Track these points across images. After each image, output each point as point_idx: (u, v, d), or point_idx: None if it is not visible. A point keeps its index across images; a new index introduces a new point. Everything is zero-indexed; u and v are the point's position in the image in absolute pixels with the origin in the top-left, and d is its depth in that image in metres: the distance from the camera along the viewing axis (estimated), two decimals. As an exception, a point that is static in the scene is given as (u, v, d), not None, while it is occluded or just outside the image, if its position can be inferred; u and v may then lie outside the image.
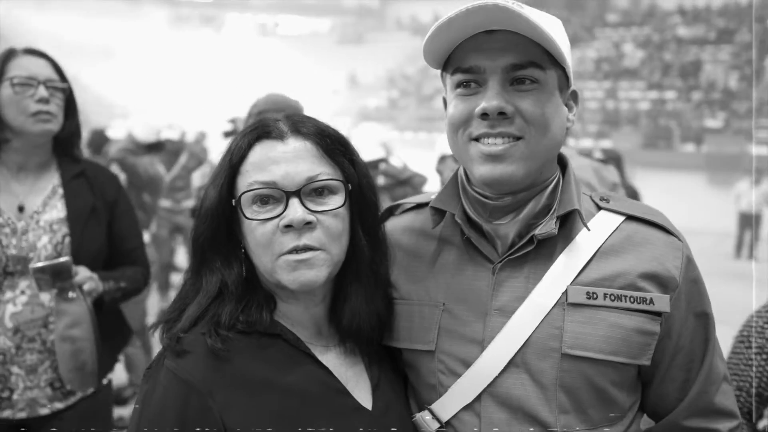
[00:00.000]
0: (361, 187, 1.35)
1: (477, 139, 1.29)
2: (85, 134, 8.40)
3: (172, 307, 1.33)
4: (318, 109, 4.59)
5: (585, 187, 1.46)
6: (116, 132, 6.01)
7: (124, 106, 28.08)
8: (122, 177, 5.16)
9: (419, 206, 1.53)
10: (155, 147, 5.93)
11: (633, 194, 5.47)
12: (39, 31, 35.67)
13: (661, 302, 1.30)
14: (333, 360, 1.33)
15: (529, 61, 1.26)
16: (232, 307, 1.26)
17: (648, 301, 1.29)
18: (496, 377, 1.29)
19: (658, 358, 1.33)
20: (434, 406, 1.35)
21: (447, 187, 1.44)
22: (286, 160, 1.25)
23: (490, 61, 1.26)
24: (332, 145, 1.31)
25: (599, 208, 1.39)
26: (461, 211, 1.38)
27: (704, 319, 1.37)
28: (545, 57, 1.27)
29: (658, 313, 1.30)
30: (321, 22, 58.27)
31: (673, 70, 32.84)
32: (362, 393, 1.33)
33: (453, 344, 1.35)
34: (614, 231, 1.35)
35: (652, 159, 24.68)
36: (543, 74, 1.28)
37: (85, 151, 7.07)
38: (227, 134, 4.04)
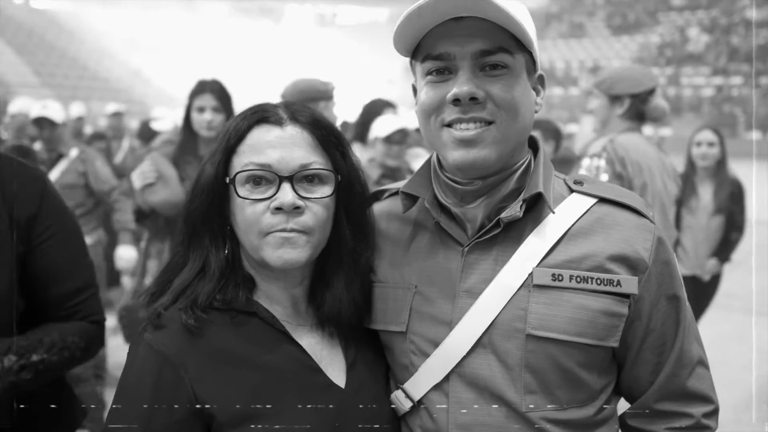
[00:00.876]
0: (350, 178, 1.41)
1: (449, 125, 1.31)
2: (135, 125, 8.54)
3: (159, 277, 1.41)
4: (375, 98, 4.66)
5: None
6: (162, 124, 6.09)
7: (185, 99, 28.68)
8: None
9: (399, 192, 1.52)
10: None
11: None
12: (101, 28, 36.70)
13: (629, 284, 1.30)
14: (309, 339, 1.39)
15: (498, 47, 1.28)
16: (211, 287, 1.33)
17: (615, 283, 1.30)
18: (464, 358, 1.32)
19: (629, 341, 1.34)
20: (406, 386, 1.39)
21: (419, 173, 1.47)
22: (282, 145, 1.32)
23: (459, 47, 1.28)
24: (326, 136, 1.37)
25: (572, 190, 1.40)
26: (432, 196, 1.42)
27: (675, 302, 1.36)
28: (513, 42, 1.30)
29: (626, 295, 1.30)
30: (379, 11, 58.20)
31: (740, 55, 31.73)
32: (336, 372, 1.38)
33: (423, 325, 1.37)
34: (584, 213, 1.36)
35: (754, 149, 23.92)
36: (512, 59, 1.30)
37: (135, 142, 7.19)
38: None
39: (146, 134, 7.01)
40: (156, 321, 1.30)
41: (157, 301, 1.34)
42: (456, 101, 1.28)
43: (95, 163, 4.95)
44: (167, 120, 5.91)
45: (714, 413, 1.40)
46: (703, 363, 1.40)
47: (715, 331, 6.59)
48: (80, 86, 28.24)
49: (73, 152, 4.96)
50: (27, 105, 7.41)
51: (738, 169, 5.41)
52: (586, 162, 3.39)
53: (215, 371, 1.27)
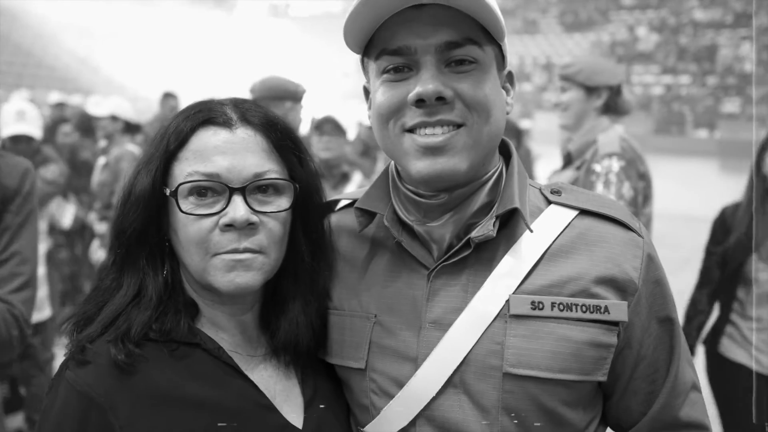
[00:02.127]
0: (309, 188, 1.25)
1: (411, 130, 1.14)
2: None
3: (87, 303, 1.20)
4: (329, 91, 4.54)
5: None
6: (100, 109, 5.85)
7: (135, 89, 28.04)
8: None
9: (355, 203, 1.32)
10: (136, 128, 5.76)
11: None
12: (46, 16, 35.60)
13: (618, 310, 1.15)
14: (261, 372, 1.22)
15: (466, 38, 1.12)
16: (147, 315, 1.14)
17: (602, 310, 1.14)
18: (432, 399, 1.15)
19: (618, 371, 1.19)
20: (368, 429, 1.22)
21: (376, 185, 1.29)
22: (233, 151, 1.14)
23: (421, 39, 1.10)
24: (282, 140, 1.21)
25: (549, 202, 1.24)
26: (391, 212, 1.24)
27: (668, 325, 1.22)
28: (481, 33, 1.14)
29: (614, 323, 1.15)
30: (333, 2, 57.89)
31: (688, 55, 32.44)
32: (292, 409, 1.21)
33: (385, 362, 1.20)
34: (565, 228, 1.19)
35: (665, 145, 24.46)
36: (481, 52, 1.14)
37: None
38: None
39: (84, 125, 6.74)
40: (80, 356, 1.10)
41: (82, 332, 1.13)
42: (420, 102, 1.11)
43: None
44: (104, 105, 5.66)
45: None
46: (695, 387, 1.27)
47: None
48: (25, 74, 27.33)
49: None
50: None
51: (685, 167, 5.44)
52: (605, 163, 3.09)
53: (151, 415, 1.08)
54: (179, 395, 1.11)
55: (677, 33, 34.63)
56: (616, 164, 3.08)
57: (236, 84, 3.98)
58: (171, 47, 38.78)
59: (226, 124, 1.17)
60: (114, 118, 5.46)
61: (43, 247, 4.41)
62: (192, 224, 1.13)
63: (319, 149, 4.06)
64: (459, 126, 1.13)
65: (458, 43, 1.12)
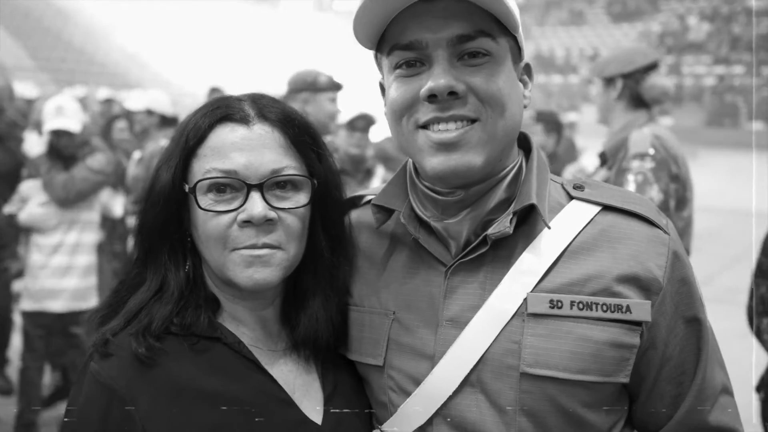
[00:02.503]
0: (327, 184, 1.24)
1: (425, 126, 1.13)
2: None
3: (112, 297, 1.22)
4: (372, 86, 4.55)
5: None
6: (135, 104, 5.92)
7: (182, 84, 28.47)
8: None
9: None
10: (172, 122, 5.81)
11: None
12: (97, 14, 36.36)
13: (641, 310, 1.12)
14: (281, 367, 1.23)
15: (478, 30, 1.10)
16: (168, 309, 1.15)
17: (624, 309, 1.11)
18: (449, 398, 1.14)
19: (643, 372, 1.17)
20: (385, 427, 1.22)
21: (393, 182, 1.28)
22: (250, 148, 1.15)
23: (432, 33, 1.09)
24: (300, 135, 1.21)
25: (571, 197, 1.21)
26: (408, 209, 1.23)
27: (695, 325, 1.18)
28: (494, 25, 1.11)
29: (637, 323, 1.12)
30: (377, -4, 57.84)
31: (741, 44, 31.52)
32: (311, 404, 1.21)
33: (403, 359, 1.20)
34: (587, 225, 1.17)
35: (717, 137, 23.84)
36: (495, 45, 1.12)
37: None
38: None
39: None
40: (103, 349, 1.12)
41: (107, 325, 1.15)
42: (432, 97, 1.09)
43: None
44: (140, 99, 5.74)
45: None
46: (727, 391, 1.22)
47: (716, 327, 6.54)
48: (77, 70, 28.01)
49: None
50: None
51: (739, 160, 5.28)
52: (634, 164, 2.96)
53: (171, 407, 1.09)
54: (198, 388, 1.12)
55: (730, 22, 33.65)
56: (645, 165, 2.96)
57: (281, 78, 4.01)
58: (217, 42, 39.26)
59: (244, 120, 1.17)
60: (149, 113, 5.53)
61: (93, 237, 4.52)
62: (211, 220, 1.14)
63: (350, 145, 4.06)
64: (473, 121, 1.12)
65: (470, 36, 1.10)
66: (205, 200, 1.14)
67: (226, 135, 1.16)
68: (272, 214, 1.14)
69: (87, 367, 1.14)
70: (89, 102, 9.98)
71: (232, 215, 1.14)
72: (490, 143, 1.12)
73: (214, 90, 8.70)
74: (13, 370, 5.18)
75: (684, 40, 34.17)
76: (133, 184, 5.13)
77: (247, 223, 1.13)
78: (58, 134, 4.38)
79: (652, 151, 2.97)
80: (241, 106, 1.19)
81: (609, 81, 3.29)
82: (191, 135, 1.17)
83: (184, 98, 15.21)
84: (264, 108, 1.20)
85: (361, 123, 4.01)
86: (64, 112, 4.39)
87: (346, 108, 4.10)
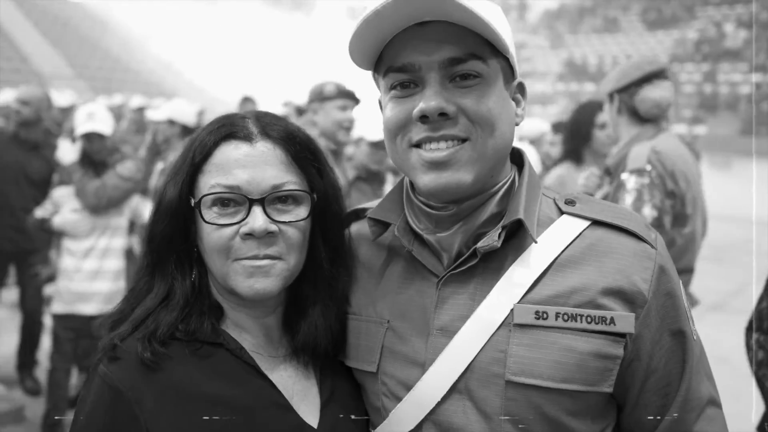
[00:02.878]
0: (327, 198, 1.30)
1: (418, 145, 1.18)
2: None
3: (122, 304, 1.28)
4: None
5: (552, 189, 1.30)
6: (157, 114, 6.02)
7: (215, 92, 28.82)
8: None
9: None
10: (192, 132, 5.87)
11: None
12: (133, 23, 37.04)
13: (625, 322, 1.15)
14: (281, 372, 1.28)
15: (469, 53, 1.14)
16: (173, 316, 1.21)
17: (608, 321, 1.15)
18: (438, 404, 1.18)
19: (628, 383, 1.20)
20: (378, 431, 1.27)
21: (389, 197, 1.33)
22: (252, 165, 1.20)
23: (425, 56, 1.14)
24: (301, 152, 1.26)
25: (561, 212, 1.24)
26: (403, 222, 1.27)
27: (680, 338, 1.21)
28: (486, 47, 1.15)
29: (621, 334, 1.16)
30: (409, 5, 57.98)
31: (779, 52, 30.95)
32: (309, 409, 1.27)
33: (396, 366, 1.25)
34: (575, 239, 1.21)
35: (754, 147, 23.42)
36: (485, 67, 1.16)
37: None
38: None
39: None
40: (112, 352, 1.18)
41: (116, 330, 1.21)
42: (423, 118, 1.13)
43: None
44: (162, 109, 5.86)
45: None
46: (714, 403, 1.24)
47: (715, 332, 6.48)
48: (113, 78, 28.56)
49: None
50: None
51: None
52: (631, 182, 2.96)
53: (174, 409, 1.15)
54: (200, 392, 1.18)
55: (768, 29, 33.09)
56: (641, 181, 2.94)
57: (313, 85, 4.10)
58: (251, 50, 39.68)
59: (247, 138, 1.23)
60: (171, 123, 5.63)
61: (122, 242, 4.62)
62: (214, 232, 1.20)
63: (372, 161, 4.15)
64: (464, 140, 1.16)
65: (461, 59, 1.14)
66: (210, 214, 1.20)
67: (230, 152, 1.22)
68: (273, 227, 1.20)
69: (96, 369, 1.19)
70: (124, 110, 10.18)
71: (234, 228, 1.19)
72: (480, 161, 1.17)
73: (246, 99, 8.82)
74: (41, 372, 5.32)
75: (720, 48, 33.66)
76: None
77: (249, 235, 1.19)
78: (90, 138, 4.49)
79: (648, 167, 2.96)
80: (245, 124, 1.25)
81: (610, 97, 3.29)
82: (198, 152, 1.23)
83: (217, 105, 15.41)
84: (267, 126, 1.26)
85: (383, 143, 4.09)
86: (94, 118, 4.52)
87: (374, 125, 4.15)
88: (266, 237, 1.19)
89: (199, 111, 8.38)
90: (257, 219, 1.18)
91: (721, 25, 35.45)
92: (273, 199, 1.21)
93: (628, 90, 3.24)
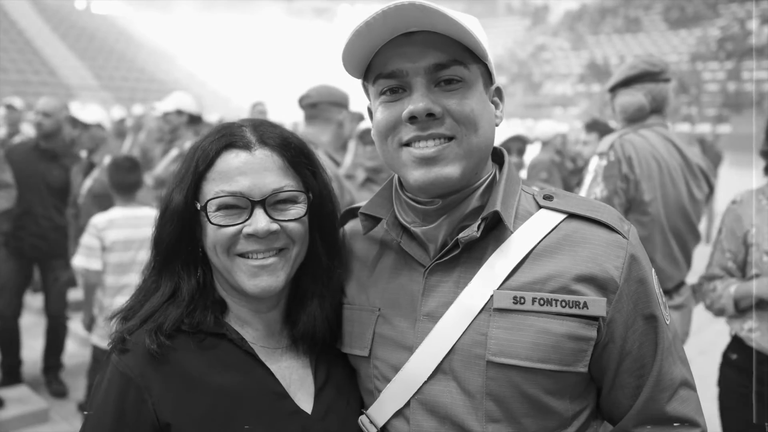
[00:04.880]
0: (321, 197, 1.39)
1: (408, 144, 1.26)
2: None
3: (132, 300, 1.38)
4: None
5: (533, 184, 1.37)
6: (166, 106, 6.24)
7: (238, 102, 29.09)
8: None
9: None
10: (198, 120, 6.10)
11: None
12: (158, 32, 37.53)
13: (597, 306, 1.22)
14: (280, 363, 1.37)
15: (452, 60, 1.23)
16: (179, 312, 1.31)
17: (581, 305, 1.22)
18: (424, 384, 1.26)
19: (604, 364, 1.27)
20: (370, 411, 1.35)
21: (380, 193, 1.43)
22: (253, 171, 1.29)
23: (411, 63, 1.23)
24: (296, 156, 1.35)
25: (539, 206, 1.33)
26: (392, 217, 1.37)
27: (653, 322, 1.27)
28: (467, 54, 1.25)
29: (593, 318, 1.22)
30: (431, 9, 57.84)
31: (805, 48, 30.49)
32: (304, 396, 1.36)
33: (386, 350, 1.33)
34: (552, 231, 1.28)
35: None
36: (467, 72, 1.25)
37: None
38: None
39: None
40: (122, 344, 1.29)
41: (125, 325, 1.33)
42: (412, 119, 1.23)
43: None
44: (170, 101, 6.06)
45: None
46: (687, 384, 1.31)
47: (713, 328, 6.36)
48: (138, 88, 28.99)
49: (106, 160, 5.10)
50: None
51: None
52: (593, 163, 3.25)
53: (177, 394, 1.25)
54: (203, 380, 1.28)
55: (793, 25, 32.59)
56: (599, 163, 3.18)
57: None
58: (275, 60, 39.97)
59: (246, 146, 1.32)
60: (179, 113, 5.87)
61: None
62: (219, 231, 1.30)
63: (365, 158, 4.23)
64: (450, 138, 1.25)
65: (445, 65, 1.24)
66: (215, 217, 1.30)
67: (231, 160, 1.30)
68: (275, 226, 1.30)
69: (109, 359, 1.31)
70: (147, 119, 10.42)
71: (238, 227, 1.29)
72: (466, 158, 1.25)
73: (256, 104, 9.04)
74: (66, 374, 5.49)
75: (744, 45, 33.25)
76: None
77: (251, 236, 1.29)
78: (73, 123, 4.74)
79: (610, 152, 3.17)
80: (243, 133, 1.34)
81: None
82: (200, 161, 1.32)
83: (242, 115, 15.63)
84: (263, 134, 1.35)
85: (369, 137, 4.17)
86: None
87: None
88: (269, 236, 1.29)
89: (220, 119, 8.58)
90: (260, 220, 1.27)
91: (745, 22, 35.01)
92: (273, 201, 1.30)
93: (614, 92, 3.45)
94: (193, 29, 40.79)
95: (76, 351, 6.05)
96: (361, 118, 4.65)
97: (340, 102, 3.82)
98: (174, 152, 5.71)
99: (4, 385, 5.13)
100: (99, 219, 4.14)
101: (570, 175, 7.48)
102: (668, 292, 3.30)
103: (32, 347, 5.60)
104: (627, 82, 3.36)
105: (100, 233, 4.08)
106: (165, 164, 5.71)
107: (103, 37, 34.91)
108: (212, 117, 10.49)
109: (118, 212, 4.21)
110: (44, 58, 29.48)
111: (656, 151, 3.23)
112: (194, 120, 5.87)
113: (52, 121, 5.18)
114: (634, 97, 3.34)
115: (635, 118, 3.35)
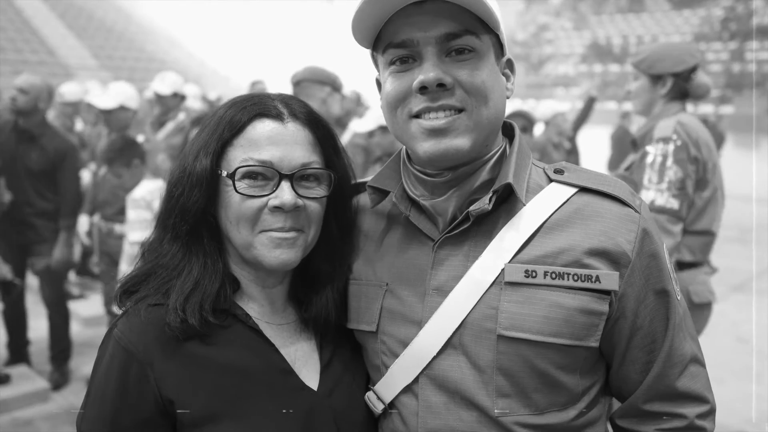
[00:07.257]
0: (342, 179, 1.38)
1: (417, 116, 1.24)
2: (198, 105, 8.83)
3: (137, 273, 1.32)
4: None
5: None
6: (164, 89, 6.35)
7: (237, 81, 28.99)
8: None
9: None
10: (183, 98, 6.40)
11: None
12: (157, 10, 37.29)
13: (609, 280, 1.21)
14: (285, 339, 1.35)
15: (464, 29, 1.20)
16: (215, 288, 1.27)
17: (593, 279, 1.21)
18: (434, 359, 1.25)
19: (615, 339, 1.26)
20: (378, 387, 1.34)
21: (388, 166, 1.40)
22: (284, 143, 1.27)
23: (422, 32, 1.20)
24: (324, 135, 1.34)
25: (551, 180, 1.31)
26: (401, 190, 1.35)
27: (664, 297, 1.26)
28: (478, 24, 1.22)
29: (606, 292, 1.21)
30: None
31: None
32: (310, 373, 1.34)
33: (394, 325, 1.32)
34: (563, 204, 1.27)
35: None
36: (479, 42, 1.22)
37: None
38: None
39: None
40: (125, 318, 1.26)
41: (131, 297, 1.30)
42: (423, 89, 1.20)
43: None
44: (166, 85, 6.13)
45: (709, 414, 1.30)
46: (697, 361, 1.31)
47: (736, 312, 6.52)
48: (137, 68, 28.83)
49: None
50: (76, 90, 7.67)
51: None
52: (654, 148, 3.22)
53: (180, 370, 1.23)
54: (207, 356, 1.25)
55: (798, 5, 32.31)
56: (668, 148, 3.18)
57: (338, 70, 4.20)
58: (274, 39, 39.76)
59: (279, 117, 1.30)
60: (175, 95, 6.08)
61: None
62: (245, 202, 1.26)
63: (389, 143, 4.36)
64: (460, 110, 1.22)
65: (456, 34, 1.20)
66: (241, 185, 1.27)
67: (262, 129, 1.28)
68: (300, 201, 1.27)
69: (111, 333, 1.28)
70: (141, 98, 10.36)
71: (264, 200, 1.26)
72: (476, 130, 1.23)
73: (255, 83, 8.97)
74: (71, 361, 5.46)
75: (748, 25, 33.01)
76: (174, 152, 5.31)
77: (278, 209, 1.26)
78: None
79: (674, 136, 3.19)
80: (275, 104, 1.32)
81: (657, 78, 3.44)
82: (227, 127, 1.29)
83: (242, 92, 15.54)
84: (294, 108, 1.34)
85: (379, 130, 4.28)
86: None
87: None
88: (293, 211, 1.27)
89: (218, 98, 8.53)
90: (286, 193, 1.25)
91: (749, 1, 34.74)
92: (300, 176, 1.28)
93: (682, 74, 3.43)
94: (192, 8, 40.49)
95: (78, 330, 6.05)
96: (359, 98, 4.70)
97: (322, 80, 3.86)
98: (170, 125, 5.73)
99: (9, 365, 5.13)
100: (142, 191, 4.25)
101: (568, 155, 7.42)
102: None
103: (36, 328, 5.54)
104: (699, 65, 3.46)
105: (150, 205, 4.18)
106: (164, 137, 5.73)
107: (101, 16, 34.65)
108: (211, 95, 10.42)
109: (152, 183, 4.33)
110: (42, 37, 29.27)
111: (704, 131, 3.34)
112: (182, 98, 6.18)
113: (29, 98, 4.90)
114: (703, 78, 3.44)
115: (700, 95, 3.46)
